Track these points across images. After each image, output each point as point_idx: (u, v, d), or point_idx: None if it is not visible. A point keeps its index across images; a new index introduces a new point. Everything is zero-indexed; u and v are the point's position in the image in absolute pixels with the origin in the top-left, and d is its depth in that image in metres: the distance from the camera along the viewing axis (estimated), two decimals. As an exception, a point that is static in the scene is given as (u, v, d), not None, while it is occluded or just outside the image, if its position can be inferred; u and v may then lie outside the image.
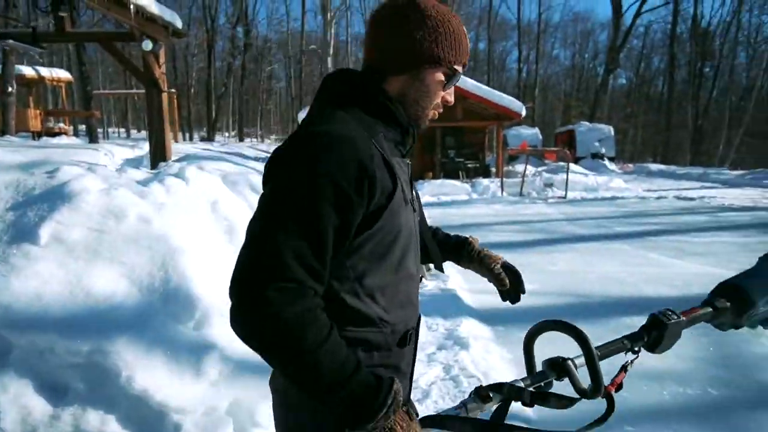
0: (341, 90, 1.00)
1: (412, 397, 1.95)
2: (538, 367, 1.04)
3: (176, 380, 2.29)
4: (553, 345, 1.09)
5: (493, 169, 18.95)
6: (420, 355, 3.14)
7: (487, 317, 4.05)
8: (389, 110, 0.99)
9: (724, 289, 1.12)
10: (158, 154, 8.11)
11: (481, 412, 0.93)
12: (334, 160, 0.85)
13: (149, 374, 2.22)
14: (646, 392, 2.79)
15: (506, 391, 0.94)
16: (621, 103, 45.17)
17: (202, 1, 34.72)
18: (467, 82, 17.69)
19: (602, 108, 35.09)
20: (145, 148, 10.97)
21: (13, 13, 13.17)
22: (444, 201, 13.49)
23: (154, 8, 7.33)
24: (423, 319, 3.75)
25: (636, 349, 1.06)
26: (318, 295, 0.87)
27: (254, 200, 5.67)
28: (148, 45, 7.35)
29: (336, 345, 0.84)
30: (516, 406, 0.96)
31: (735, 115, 31.60)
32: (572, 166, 15.23)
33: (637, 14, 33.53)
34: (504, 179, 15.65)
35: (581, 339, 0.95)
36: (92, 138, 17.00)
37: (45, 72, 19.45)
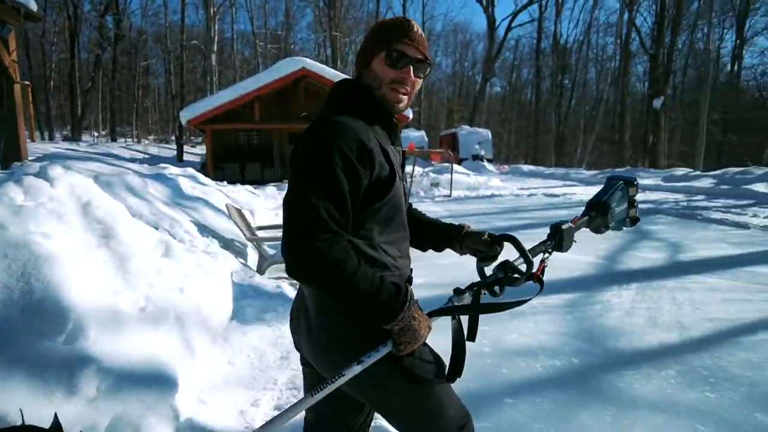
0: (340, 97, 1.30)
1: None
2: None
3: (43, 400, 2.05)
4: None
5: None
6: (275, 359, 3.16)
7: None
8: (372, 102, 1.27)
9: (591, 205, 1.59)
10: (10, 154, 7.12)
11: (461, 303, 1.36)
12: (343, 140, 1.14)
13: (8, 396, 1.96)
14: (523, 367, 3.08)
15: (476, 287, 1.38)
16: (497, 109, 49.03)
17: (62, -16, 31.03)
18: (357, 85, 18.02)
19: (481, 113, 37.80)
20: (-8, 147, 9.53)
21: None
22: (337, 202, 13.58)
23: (2, -13, 6.44)
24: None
25: (549, 250, 1.47)
26: (345, 238, 1.15)
27: (134, 202, 5.26)
28: (-6, 28, 6.43)
29: (366, 270, 1.16)
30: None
31: (588, 122, 35.90)
32: (456, 166, 16.21)
33: (508, 29, 36.70)
34: (394, 180, 16.19)
35: (517, 244, 1.41)
36: None
37: None
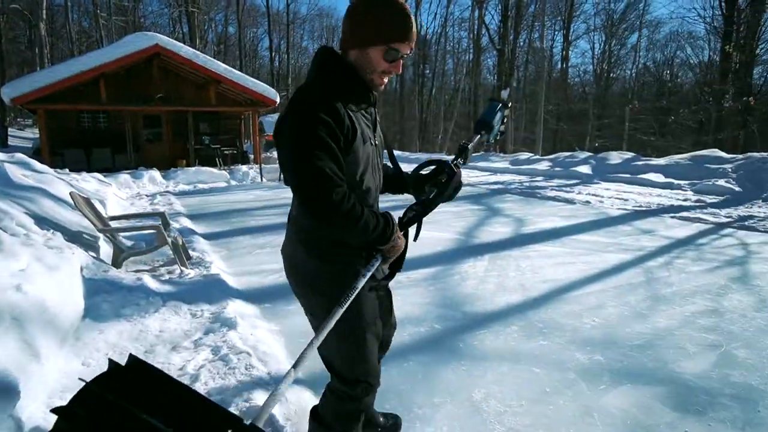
0: (327, 68, 1.50)
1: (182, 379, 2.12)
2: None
3: None
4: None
5: (252, 156, 18.79)
6: (185, 343, 3.04)
7: (253, 297, 4.14)
8: (357, 81, 1.51)
9: (480, 124, 1.88)
10: None
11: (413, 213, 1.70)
12: (324, 112, 1.39)
13: None
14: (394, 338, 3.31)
15: (423, 201, 1.70)
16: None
17: None
18: (219, 66, 17.00)
19: (349, 99, 38.03)
20: None
21: None
22: (201, 189, 12.81)
23: None
24: (187, 307, 3.57)
25: (460, 163, 1.76)
26: (346, 189, 1.41)
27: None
28: None
29: (369, 211, 1.47)
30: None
31: (448, 110, 38.48)
32: (326, 152, 16.26)
33: (373, 16, 37.28)
34: (263, 165, 15.73)
35: (441, 163, 1.77)
36: None
37: None
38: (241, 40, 40.88)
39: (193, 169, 15.03)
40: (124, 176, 12.82)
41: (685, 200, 9.75)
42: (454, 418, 2.35)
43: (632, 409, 2.42)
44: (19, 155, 8.91)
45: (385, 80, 1.54)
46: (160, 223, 4.98)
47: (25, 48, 34.57)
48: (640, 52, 35.69)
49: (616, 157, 15.06)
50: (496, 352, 3.08)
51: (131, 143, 16.38)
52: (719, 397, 2.52)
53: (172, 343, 3.06)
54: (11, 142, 22.71)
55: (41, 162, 9.72)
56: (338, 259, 1.59)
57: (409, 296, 4.10)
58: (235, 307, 3.68)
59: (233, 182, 14.32)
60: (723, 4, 23.07)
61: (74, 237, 4.73)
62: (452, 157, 1.80)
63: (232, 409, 2.28)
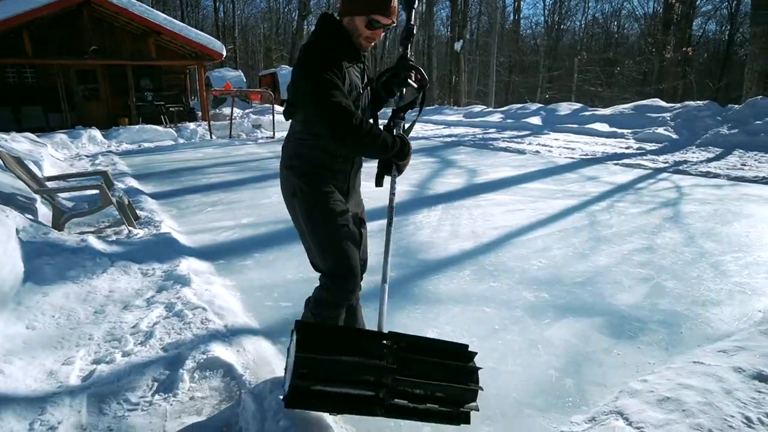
0: (327, 30, 1.84)
1: (133, 340, 2.50)
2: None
3: None
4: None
5: (200, 113, 17.98)
6: (137, 302, 2.99)
7: (206, 254, 4.08)
8: (348, 42, 1.84)
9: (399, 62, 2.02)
10: None
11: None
12: (328, 62, 1.73)
13: None
14: (348, 285, 3.37)
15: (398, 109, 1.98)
16: (316, 48, 48.09)
17: None
18: (158, 16, 15.90)
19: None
20: None
21: None
22: (147, 148, 12.23)
23: None
24: (138, 266, 3.49)
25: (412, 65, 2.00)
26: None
27: None
28: None
29: (384, 132, 1.79)
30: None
31: (403, 63, 37.75)
32: (277, 107, 15.77)
33: (322, -37, 35.53)
34: (212, 122, 15.12)
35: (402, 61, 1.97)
36: None
37: None
38: (180, -12, 38.07)
39: (137, 127, 14.26)
40: (60, 136, 12.02)
41: (627, 148, 10.18)
42: (408, 356, 2.46)
43: (572, 339, 2.60)
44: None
45: (370, 44, 1.87)
46: (102, 182, 4.76)
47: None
48: (590, 3, 35.99)
49: (565, 108, 15.42)
50: (449, 295, 3.21)
51: (65, 101, 15.26)
52: (649, 324, 2.74)
53: (124, 302, 3.00)
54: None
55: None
56: (316, 179, 1.89)
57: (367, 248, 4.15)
58: (188, 265, 3.63)
59: (181, 140, 13.73)
60: (668, -47, 23.38)
61: (7, 199, 4.45)
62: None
63: (189, 363, 2.30)
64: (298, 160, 1.91)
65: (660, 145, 10.41)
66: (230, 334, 2.60)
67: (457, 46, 23.68)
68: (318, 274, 2.00)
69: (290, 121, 2.00)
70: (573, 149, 10.02)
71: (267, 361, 2.38)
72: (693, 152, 9.40)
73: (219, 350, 2.41)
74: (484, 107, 19.84)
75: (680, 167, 7.66)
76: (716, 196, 5.76)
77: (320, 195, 1.88)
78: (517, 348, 2.54)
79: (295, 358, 1.54)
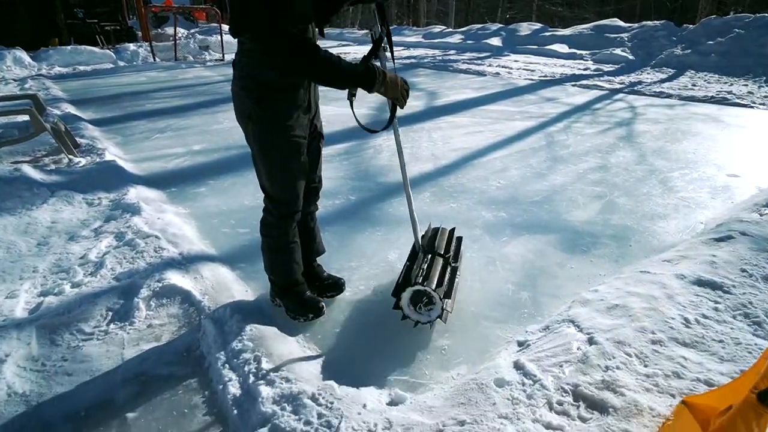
0: None
1: (83, 271, 2.50)
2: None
3: None
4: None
5: (140, 33, 16.51)
6: (84, 232, 2.84)
7: (157, 182, 3.89)
8: None
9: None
10: None
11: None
12: None
13: None
14: (307, 210, 3.31)
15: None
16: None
17: None
18: None
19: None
20: None
21: None
22: (83, 72, 11.25)
23: None
24: (81, 196, 3.29)
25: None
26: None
27: None
28: None
29: (346, 61, 1.72)
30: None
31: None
32: (225, 27, 14.65)
33: None
34: (154, 43, 13.97)
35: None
36: None
37: None
38: None
39: (69, 48, 12.99)
40: (-18, 58, 10.84)
41: (585, 69, 10.17)
42: (370, 277, 2.48)
43: (528, 255, 2.68)
44: None
45: None
46: (32, 107, 4.35)
47: None
48: None
49: (525, 29, 15.07)
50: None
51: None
52: (601, 238, 2.85)
53: (69, 233, 2.84)
54: None
55: None
56: (272, 103, 1.80)
57: (325, 171, 4.04)
58: (136, 193, 3.45)
59: (121, 63, 12.68)
60: None
61: (-76, 127, 4.03)
62: None
63: (144, 291, 2.23)
64: (251, 81, 1.78)
65: (617, 66, 10.44)
66: (186, 262, 2.52)
67: (417, -41, 22.30)
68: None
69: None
70: (533, 71, 9.91)
71: (226, 286, 2.34)
72: (648, 73, 9.50)
73: (175, 278, 2.34)
74: (444, 28, 19.14)
75: (635, 88, 7.75)
76: (667, 115, 5.90)
77: (275, 121, 1.80)
78: (476, 265, 2.60)
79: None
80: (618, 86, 7.95)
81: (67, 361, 1.87)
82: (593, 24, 14.09)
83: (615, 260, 2.60)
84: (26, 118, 4.23)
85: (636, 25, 13.09)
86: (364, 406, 1.55)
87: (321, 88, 2.11)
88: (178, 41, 13.94)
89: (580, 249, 2.74)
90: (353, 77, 1.72)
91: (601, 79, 8.74)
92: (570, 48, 12.75)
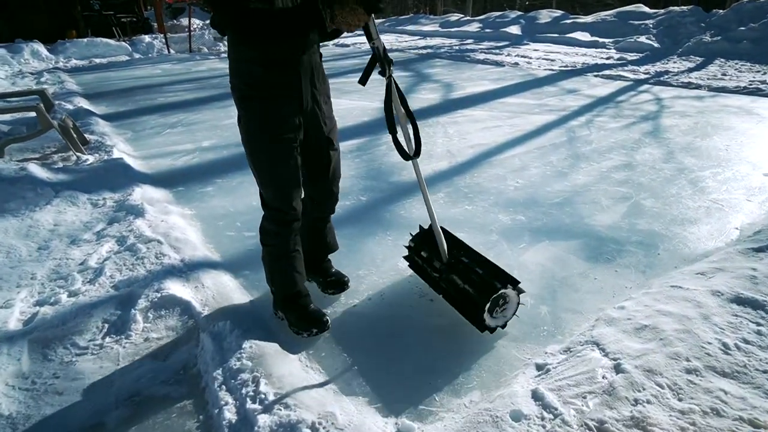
0: None
1: (81, 278, 2.41)
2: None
3: None
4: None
5: (155, 25, 16.53)
6: (86, 236, 2.76)
7: (164, 181, 3.80)
8: None
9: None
10: None
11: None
12: None
13: None
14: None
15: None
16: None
17: None
18: None
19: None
20: None
21: None
22: (99, 64, 11.27)
23: None
24: (86, 196, 3.21)
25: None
26: None
27: None
28: None
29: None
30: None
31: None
32: (240, 17, 14.53)
33: None
34: (169, 35, 13.95)
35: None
36: None
37: None
38: None
39: (86, 40, 13.05)
40: (-1, 51, 10.94)
41: (608, 59, 9.81)
42: (379, 286, 2.34)
43: (548, 263, 2.51)
44: None
45: None
46: (39, 103, 4.29)
47: None
48: None
49: (545, 16, 14.65)
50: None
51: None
52: (626, 245, 2.67)
53: (70, 236, 2.76)
54: None
55: None
56: (255, 104, 1.71)
57: (334, 169, 3.92)
58: (142, 193, 3.37)
59: (137, 55, 12.69)
60: None
61: (-67, 125, 4.00)
62: None
63: (142, 302, 2.13)
64: (235, 79, 1.71)
65: (641, 54, 10.05)
66: (188, 269, 2.42)
67: (434, -55, 21.83)
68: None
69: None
70: (553, 61, 9.59)
71: (227, 297, 2.23)
72: (674, 62, 9.11)
73: (175, 287, 2.24)
74: (462, 16, 18.75)
75: (661, 78, 7.42)
76: (696, 108, 5.61)
77: (258, 122, 1.72)
78: (491, 274, 2.44)
79: (411, 236, 2.34)
80: (643, 77, 7.62)
81: (58, 378, 1.78)
82: (616, 10, 13.61)
83: (642, 271, 2.42)
84: (35, 114, 4.18)
85: (662, 11, 12.60)
86: (368, 440, 1.43)
87: (332, 82, 1.98)
88: (193, 32, 13.89)
89: (604, 257, 2.56)
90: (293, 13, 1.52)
91: (625, 69, 8.40)
92: (592, 36, 12.33)
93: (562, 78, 7.79)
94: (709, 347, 1.66)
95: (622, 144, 4.38)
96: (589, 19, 13.56)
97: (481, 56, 10.57)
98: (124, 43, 13.33)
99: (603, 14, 13.63)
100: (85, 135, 4.70)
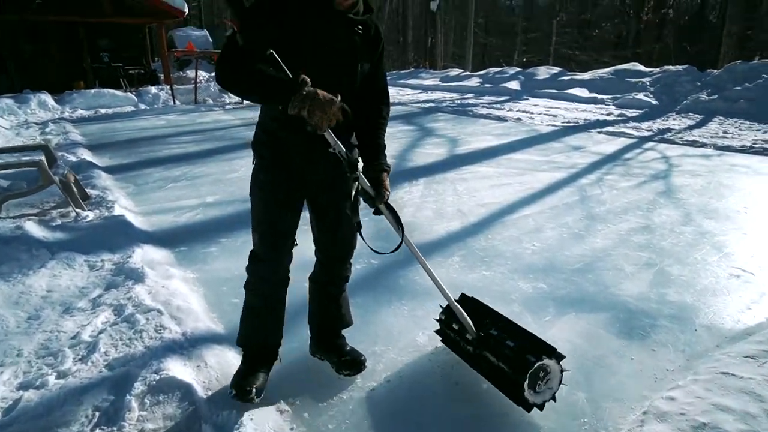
0: None
1: (72, 354, 2.21)
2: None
3: None
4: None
5: (162, 76, 16.89)
6: (81, 303, 2.58)
7: (165, 240, 3.65)
8: None
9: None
10: None
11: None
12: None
13: None
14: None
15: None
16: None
17: None
18: (108, -33, 14.58)
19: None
20: None
21: None
22: (104, 115, 11.38)
23: None
24: (83, 258, 3.03)
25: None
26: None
27: None
28: None
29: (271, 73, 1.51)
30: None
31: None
32: (245, 70, 14.86)
33: None
34: (175, 86, 14.21)
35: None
36: None
37: None
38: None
39: (93, 91, 13.25)
40: (6, 101, 11.03)
41: (608, 114, 9.95)
42: (398, 366, 2.15)
43: (578, 340, 2.33)
44: None
45: (345, 0, 1.57)
46: (42, 157, 4.21)
47: None
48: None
49: (543, 73, 15.06)
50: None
51: (12, 59, 14.02)
52: (659, 319, 2.50)
53: (64, 304, 2.58)
54: None
55: None
56: (262, 150, 1.78)
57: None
58: (142, 255, 3.20)
59: (142, 106, 12.85)
60: None
61: (-69, 179, 3.89)
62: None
63: (139, 385, 1.92)
64: (257, 126, 1.82)
65: (641, 111, 10.22)
66: (189, 345, 2.23)
67: (433, 5, 22.82)
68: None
69: None
70: (555, 116, 9.72)
71: (230, 376, 2.03)
72: (674, 119, 9.24)
73: (175, 367, 2.04)
74: (462, 71, 19.29)
75: (665, 135, 7.47)
76: (706, 167, 5.57)
77: (261, 168, 1.79)
78: (518, 351, 2.25)
79: (442, 308, 2.22)
80: (646, 133, 7.67)
81: (39, 482, 1.56)
82: (613, 68, 14.00)
83: (681, 350, 2.24)
84: (35, 168, 4.07)
85: (657, 69, 12.95)
86: None
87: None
88: (198, 84, 14.16)
89: (637, 333, 2.38)
90: (266, 85, 1.48)
91: (627, 125, 8.49)
92: (590, 92, 12.60)
93: (565, 134, 7.84)
94: (782, 454, 1.46)
95: (636, 204, 4.28)
96: (586, 76, 13.92)
97: (483, 111, 10.73)
98: (130, 94, 13.55)
99: (600, 72, 14.00)
100: (87, 189, 4.59)
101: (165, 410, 1.86)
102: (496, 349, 1.89)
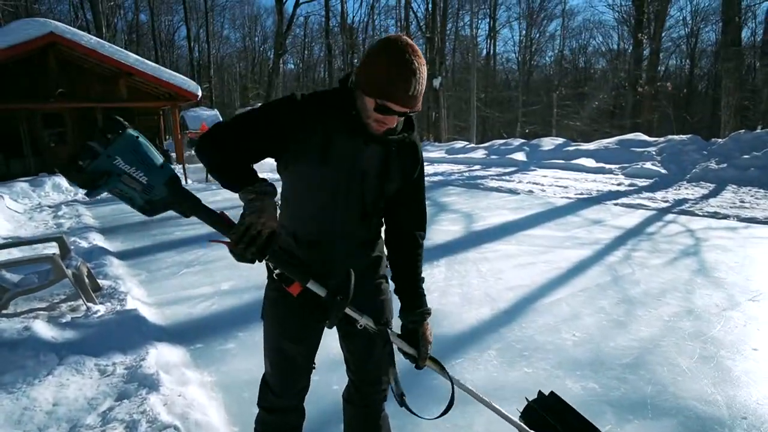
0: (334, 90, 1.48)
1: None
2: None
3: None
4: None
5: (174, 155, 17.33)
6: (89, 419, 2.35)
7: (180, 336, 3.44)
8: (344, 103, 1.43)
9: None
10: None
11: None
12: (289, 102, 1.43)
13: None
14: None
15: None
16: (293, 85, 48.34)
17: None
18: (129, 57, 15.42)
19: (277, 90, 36.67)
20: None
21: None
22: (116, 195, 11.49)
23: None
24: (94, 362, 2.81)
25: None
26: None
27: None
28: None
29: (248, 180, 1.44)
30: None
31: (380, 100, 38.01)
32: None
33: (296, 4, 35.97)
34: (187, 165, 14.50)
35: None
36: None
37: None
38: (154, 29, 37.99)
39: (106, 172, 13.51)
40: (21, 185, 11.22)
41: (619, 185, 9.95)
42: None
43: (649, 457, 2.06)
44: None
45: (382, 128, 1.41)
46: (56, 252, 4.10)
47: None
48: (557, 41, 37.17)
49: (548, 143, 15.34)
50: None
51: (29, 145, 14.47)
52: (736, 429, 2.22)
53: (70, 421, 2.34)
54: None
55: None
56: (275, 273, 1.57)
57: (367, 320, 3.58)
58: (156, 356, 2.98)
59: (153, 185, 13.04)
60: (634, -7, 24.28)
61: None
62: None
63: None
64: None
65: (650, 180, 10.23)
66: (210, 473, 1.97)
67: (436, 83, 23.82)
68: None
69: None
70: (566, 187, 9.72)
71: None
72: (686, 188, 9.20)
73: (195, 505, 1.78)
74: (467, 143, 19.74)
75: (683, 207, 7.37)
76: (735, 241, 5.40)
77: (272, 290, 1.65)
78: (582, 473, 1.97)
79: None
80: (663, 205, 7.59)
81: None
82: (617, 138, 14.25)
83: (772, 470, 1.96)
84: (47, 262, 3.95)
85: (662, 139, 13.17)
86: None
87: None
88: (210, 163, 14.45)
89: (715, 448, 2.11)
90: (231, 180, 1.47)
91: (641, 196, 8.44)
92: (597, 162, 12.73)
93: (581, 207, 7.77)
94: None
95: (673, 285, 4.07)
96: (591, 146, 14.14)
97: (494, 183, 10.78)
98: (143, 173, 13.80)
99: (605, 142, 14.25)
100: (99, 279, 4.44)
101: None
102: None
